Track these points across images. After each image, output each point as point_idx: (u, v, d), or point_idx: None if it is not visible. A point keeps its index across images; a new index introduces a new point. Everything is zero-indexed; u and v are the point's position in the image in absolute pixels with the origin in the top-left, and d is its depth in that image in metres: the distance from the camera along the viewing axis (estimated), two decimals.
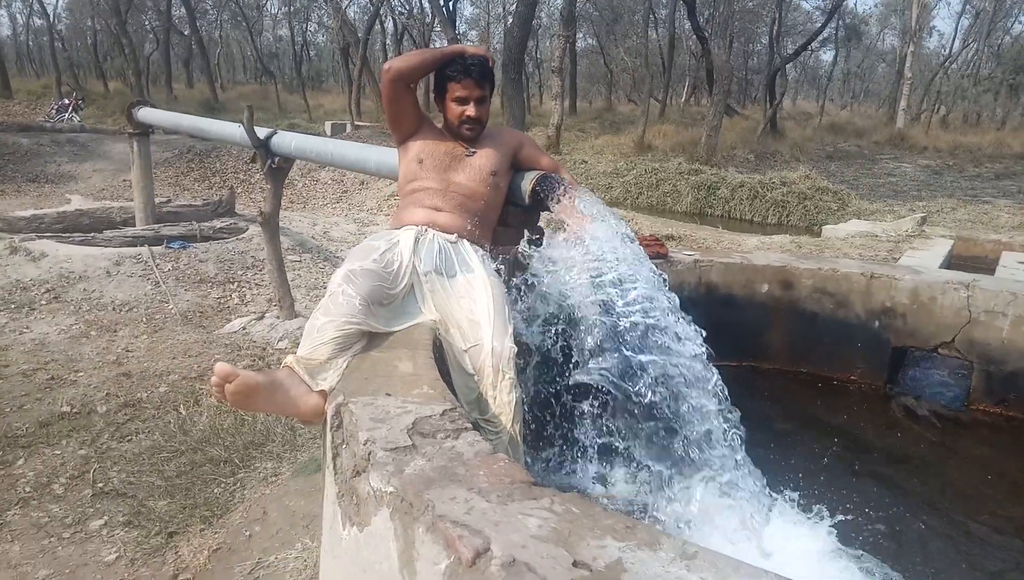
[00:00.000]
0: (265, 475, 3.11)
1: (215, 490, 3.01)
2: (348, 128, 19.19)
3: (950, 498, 2.70)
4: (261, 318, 5.07)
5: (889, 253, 6.58)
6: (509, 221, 2.85)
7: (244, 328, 4.90)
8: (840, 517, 2.36)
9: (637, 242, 2.53)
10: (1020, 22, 32.79)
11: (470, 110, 2.51)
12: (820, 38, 26.46)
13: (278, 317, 5.03)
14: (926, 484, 2.80)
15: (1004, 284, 3.22)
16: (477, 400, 2.20)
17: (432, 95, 2.69)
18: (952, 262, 6.16)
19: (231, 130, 5.47)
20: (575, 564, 1.12)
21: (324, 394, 1.88)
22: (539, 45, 34.06)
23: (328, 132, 18.63)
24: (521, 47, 12.65)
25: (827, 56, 40.18)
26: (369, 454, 1.48)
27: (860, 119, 29.62)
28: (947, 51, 33.99)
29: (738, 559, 1.16)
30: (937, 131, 24.94)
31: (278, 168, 4.78)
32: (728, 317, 3.53)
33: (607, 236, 2.41)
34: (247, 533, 2.72)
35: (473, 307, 2.32)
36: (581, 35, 30.66)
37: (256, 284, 5.91)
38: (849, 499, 2.51)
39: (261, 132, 4.69)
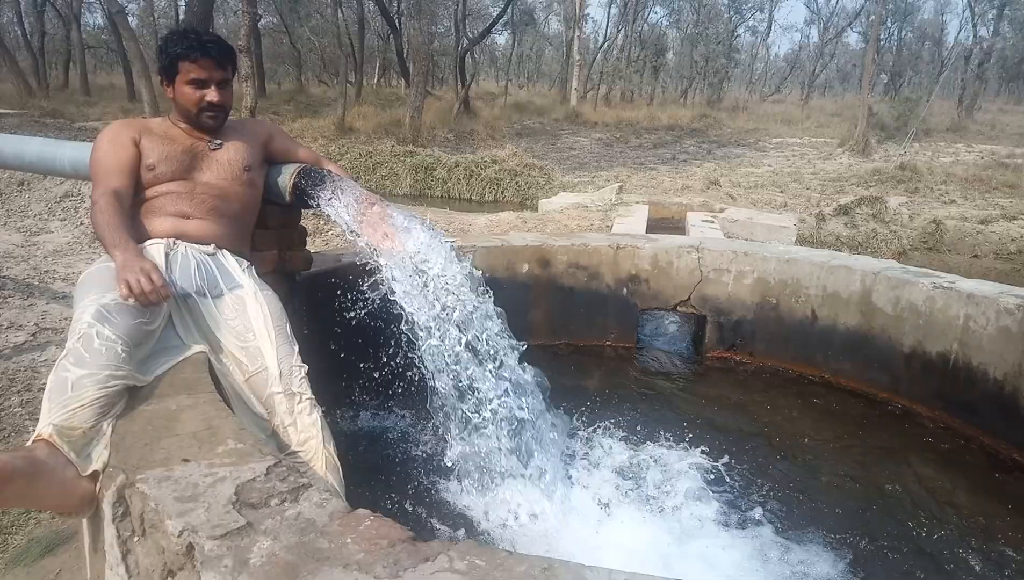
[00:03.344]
0: None
1: None
2: None
3: (696, 431, 2.98)
4: None
5: (602, 221, 7.24)
6: (268, 223, 2.50)
7: None
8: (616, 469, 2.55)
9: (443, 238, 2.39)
10: (655, 12, 38.20)
11: (211, 95, 2.10)
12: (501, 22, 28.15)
13: None
14: (676, 423, 3.04)
15: (726, 244, 3.67)
16: (273, 436, 1.88)
17: (160, 77, 2.20)
18: (650, 225, 6.96)
19: None
20: None
21: (95, 476, 1.43)
22: (215, 24, 31.28)
23: None
24: (205, 24, 11.43)
25: (501, 39, 43.08)
26: (189, 547, 1.15)
27: (538, 98, 32.22)
28: (603, 36, 38.47)
29: (667, 578, 1.09)
30: (603, 108, 28.14)
31: None
32: (494, 299, 3.53)
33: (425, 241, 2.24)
34: None
35: (247, 328, 1.98)
36: (262, 11, 28.80)
37: None
38: (609, 448, 2.72)
39: None
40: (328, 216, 2.32)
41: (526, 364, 2.50)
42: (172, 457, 1.38)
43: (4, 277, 5.59)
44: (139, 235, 2.00)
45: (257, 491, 1.28)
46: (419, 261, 2.24)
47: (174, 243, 2.02)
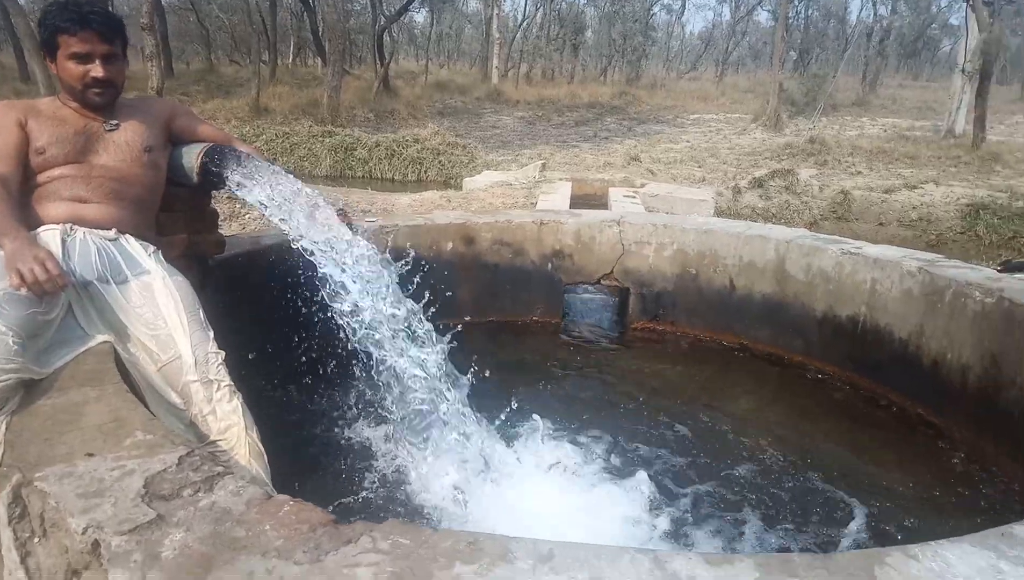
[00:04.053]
0: None
1: None
2: None
3: (619, 400, 3.06)
4: None
5: (525, 199, 7.24)
6: (174, 206, 2.38)
7: None
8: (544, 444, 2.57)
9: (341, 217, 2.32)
10: None
11: (96, 70, 1.95)
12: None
13: None
14: (601, 393, 3.13)
15: (646, 217, 3.73)
16: (192, 426, 1.81)
17: (43, 53, 2.05)
18: (573, 201, 7.01)
19: None
20: None
21: None
22: (115, 0, 29.59)
23: None
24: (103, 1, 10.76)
25: (420, 17, 42.34)
26: (95, 544, 1.09)
27: (459, 77, 31.88)
28: (522, 15, 38.31)
29: (592, 544, 1.10)
30: (524, 86, 28.12)
31: None
32: (419, 279, 3.49)
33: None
34: None
35: (157, 315, 1.88)
36: None
37: None
38: (546, 423, 2.69)
39: None
40: (241, 198, 2.24)
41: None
42: (75, 452, 1.30)
43: None
44: (32, 222, 1.87)
45: (168, 482, 1.23)
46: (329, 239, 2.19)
47: (71, 229, 1.90)
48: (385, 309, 2.25)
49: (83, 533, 1.10)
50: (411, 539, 1.09)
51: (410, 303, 2.31)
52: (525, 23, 36.35)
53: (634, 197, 7.14)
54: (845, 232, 7.76)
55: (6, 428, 1.38)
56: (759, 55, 51.57)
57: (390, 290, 2.25)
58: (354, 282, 2.17)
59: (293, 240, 2.14)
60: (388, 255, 2.36)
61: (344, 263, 2.18)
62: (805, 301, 3.31)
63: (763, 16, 46.10)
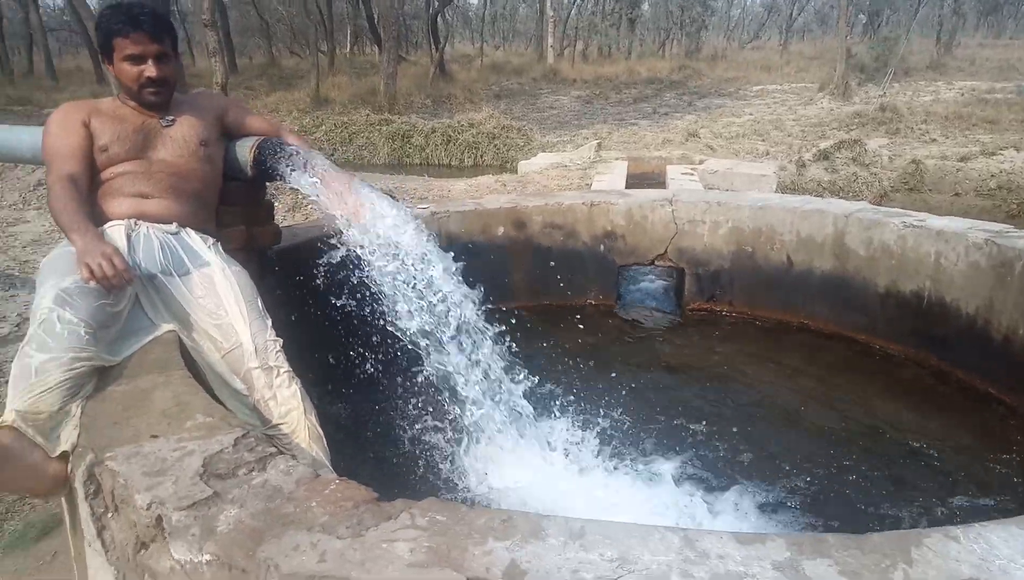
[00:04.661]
0: None
1: None
2: None
3: (676, 383, 3.05)
4: None
5: (581, 180, 7.20)
6: (232, 199, 2.48)
7: None
8: (606, 426, 2.58)
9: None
10: None
11: (150, 70, 2.04)
12: None
13: None
14: (660, 378, 3.11)
15: (699, 195, 3.67)
16: (255, 410, 1.90)
17: (101, 56, 2.16)
18: (630, 181, 6.94)
19: None
20: None
21: (66, 457, 1.44)
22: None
23: None
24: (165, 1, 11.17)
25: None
26: (158, 519, 1.17)
27: (515, 58, 31.76)
28: None
29: (625, 522, 1.12)
30: (580, 64, 27.80)
31: None
32: (472, 264, 3.52)
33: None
34: None
35: (219, 305, 1.98)
36: None
37: None
38: (608, 410, 2.72)
39: None
40: (294, 188, 2.31)
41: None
42: (141, 434, 1.39)
43: None
44: (98, 218, 1.99)
45: (224, 462, 1.30)
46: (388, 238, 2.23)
47: (135, 224, 2.01)
48: (432, 296, 2.29)
49: (147, 509, 1.18)
50: (448, 516, 1.13)
51: (464, 289, 2.34)
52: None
53: (692, 174, 7.01)
54: (917, 204, 7.45)
55: (81, 412, 1.48)
56: (826, 20, 49.52)
57: (436, 276, 2.27)
58: (395, 265, 2.20)
59: (338, 228, 2.19)
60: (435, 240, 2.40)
61: (387, 249, 2.22)
62: (867, 276, 3.21)
63: None
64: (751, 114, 15.81)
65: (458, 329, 2.31)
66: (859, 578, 0.98)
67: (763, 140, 11.82)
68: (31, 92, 18.95)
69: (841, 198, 6.96)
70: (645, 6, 38.62)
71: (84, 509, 1.35)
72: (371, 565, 1.03)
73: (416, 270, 2.22)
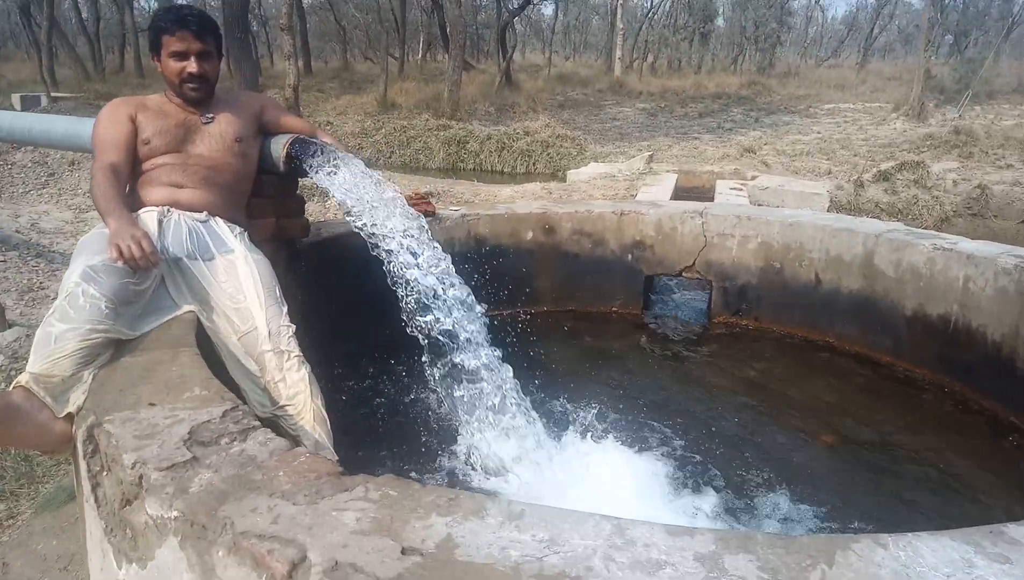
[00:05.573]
0: None
1: None
2: (44, 101, 16.41)
3: (696, 395, 3.04)
4: None
5: (627, 191, 7.21)
6: (264, 192, 2.62)
7: None
8: (620, 434, 2.58)
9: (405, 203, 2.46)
10: None
11: (191, 66, 2.19)
12: None
13: None
14: (683, 390, 3.11)
15: (730, 209, 3.66)
16: (266, 390, 2.01)
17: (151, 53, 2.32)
18: (678, 193, 6.91)
19: None
20: (404, 552, 1.05)
21: (72, 418, 1.58)
22: (262, 1, 31.79)
23: (18, 106, 15.78)
24: (244, 3, 11.67)
25: (547, 10, 42.56)
26: (140, 478, 1.27)
27: (583, 69, 31.76)
28: (649, 3, 37.60)
29: (564, 508, 1.17)
30: (648, 77, 27.63)
31: None
32: (499, 267, 3.61)
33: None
34: None
35: (239, 290, 2.10)
36: None
37: None
38: (623, 417, 2.74)
39: None
40: (319, 184, 2.43)
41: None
42: (140, 402, 1.51)
43: (55, 252, 5.92)
44: (136, 204, 2.15)
45: (210, 431, 1.40)
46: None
47: (168, 210, 2.15)
48: (445, 292, 2.37)
49: (132, 468, 1.29)
50: (400, 491, 1.20)
51: (464, 290, 2.41)
52: (650, 13, 35.67)
53: (741, 190, 6.93)
54: (980, 229, 7.18)
55: (92, 379, 1.61)
56: (910, 39, 47.79)
57: (447, 276, 2.36)
58: (410, 260, 2.29)
59: (358, 224, 2.30)
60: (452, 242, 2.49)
61: (405, 244, 2.32)
62: (895, 298, 3.14)
63: None
64: (819, 132, 15.43)
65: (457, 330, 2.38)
66: (776, 575, 1.01)
67: (828, 158, 11.53)
68: (119, 88, 19.95)
69: (900, 220, 6.77)
70: (719, 20, 38.14)
71: (82, 466, 1.47)
72: (317, 530, 1.10)
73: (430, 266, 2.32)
